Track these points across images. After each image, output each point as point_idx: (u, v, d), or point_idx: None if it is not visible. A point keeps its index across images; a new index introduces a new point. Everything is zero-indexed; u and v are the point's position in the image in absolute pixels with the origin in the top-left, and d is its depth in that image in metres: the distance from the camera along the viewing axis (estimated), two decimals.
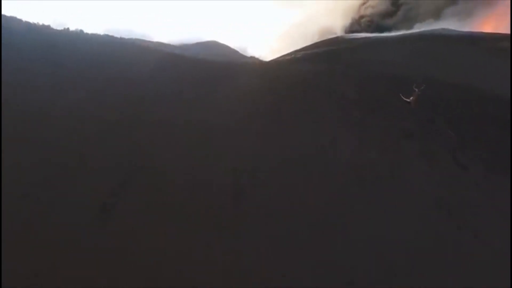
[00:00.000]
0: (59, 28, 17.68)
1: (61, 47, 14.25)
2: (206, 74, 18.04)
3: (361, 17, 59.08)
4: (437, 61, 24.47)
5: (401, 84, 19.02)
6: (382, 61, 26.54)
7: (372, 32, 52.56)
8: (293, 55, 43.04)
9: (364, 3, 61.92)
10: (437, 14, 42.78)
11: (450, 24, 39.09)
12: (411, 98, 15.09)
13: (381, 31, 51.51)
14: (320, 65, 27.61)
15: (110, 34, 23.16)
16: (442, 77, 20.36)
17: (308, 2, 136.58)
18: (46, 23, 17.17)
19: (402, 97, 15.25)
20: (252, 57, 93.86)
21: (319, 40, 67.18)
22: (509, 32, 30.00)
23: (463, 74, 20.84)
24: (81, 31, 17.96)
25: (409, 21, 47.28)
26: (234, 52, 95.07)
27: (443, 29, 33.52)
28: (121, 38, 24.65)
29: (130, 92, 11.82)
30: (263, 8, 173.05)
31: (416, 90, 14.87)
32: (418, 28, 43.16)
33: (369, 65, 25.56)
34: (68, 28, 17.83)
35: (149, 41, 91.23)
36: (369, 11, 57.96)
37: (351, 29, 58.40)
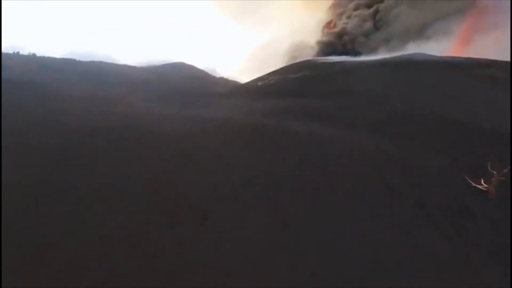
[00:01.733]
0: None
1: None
2: None
3: (330, 37, 59.10)
4: (431, 93, 23.92)
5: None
6: (366, 92, 25.86)
7: (342, 54, 52.84)
8: (266, 80, 41.87)
9: (331, 23, 62.75)
10: (409, 36, 43.76)
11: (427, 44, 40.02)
12: (487, 183, 10.53)
13: (352, 53, 52.07)
14: (297, 100, 25.89)
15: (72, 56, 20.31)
16: (444, 113, 19.50)
17: (275, 24, 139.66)
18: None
19: (473, 183, 10.72)
20: (221, 78, 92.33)
21: (288, 63, 67.54)
22: (493, 58, 30.80)
23: (465, 109, 20.17)
24: (34, 54, 14.78)
25: (383, 41, 47.92)
26: (202, 72, 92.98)
27: (423, 54, 33.92)
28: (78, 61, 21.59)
29: None
30: (230, 29, 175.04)
31: (494, 173, 10.52)
32: (394, 49, 43.74)
33: (352, 100, 24.56)
34: (18, 52, 14.69)
35: (114, 64, 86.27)
36: (339, 30, 58.39)
37: (321, 49, 58.00)
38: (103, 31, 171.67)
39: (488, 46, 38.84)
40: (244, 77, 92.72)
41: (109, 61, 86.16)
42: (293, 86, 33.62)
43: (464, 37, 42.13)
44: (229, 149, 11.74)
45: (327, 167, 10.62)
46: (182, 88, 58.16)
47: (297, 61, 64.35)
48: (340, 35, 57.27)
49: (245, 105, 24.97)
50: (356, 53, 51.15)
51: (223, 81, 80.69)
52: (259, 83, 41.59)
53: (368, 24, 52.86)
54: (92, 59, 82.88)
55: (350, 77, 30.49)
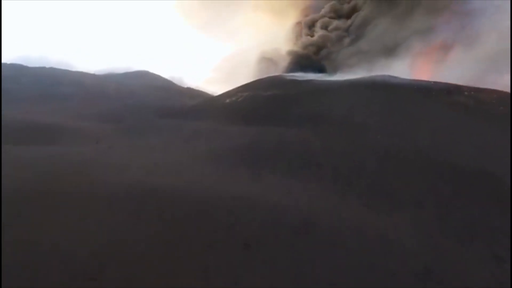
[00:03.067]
0: None
1: None
2: None
3: (298, 50, 56.60)
4: (409, 124, 21.75)
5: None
6: (342, 120, 23.36)
7: (309, 68, 50.70)
8: (234, 97, 38.53)
9: (300, 34, 60.55)
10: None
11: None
12: None
13: (320, 67, 50.18)
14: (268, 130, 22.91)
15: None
16: (427, 151, 17.19)
17: (242, 35, 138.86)
18: None
19: None
20: (189, 88, 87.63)
21: (256, 75, 64.83)
22: (453, 82, 29.75)
23: (447, 145, 17.98)
24: None
25: (355, 56, 46.50)
26: (167, 82, 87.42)
27: (393, 76, 32.38)
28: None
29: None
30: (196, 39, 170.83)
31: None
32: (365, 65, 42.29)
33: (328, 129, 21.92)
34: None
35: (67, 70, 78.44)
36: (308, 43, 56.13)
37: (291, 61, 55.62)
38: (59, 34, 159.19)
39: (450, 67, 38.57)
40: (211, 87, 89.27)
41: (63, 67, 78.16)
42: (263, 107, 30.52)
43: (430, 56, 41.85)
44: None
45: None
46: (140, 101, 52.99)
47: (266, 75, 61.72)
48: (313, 47, 54.70)
49: (205, 137, 21.28)
50: (324, 69, 49.33)
51: (189, 92, 76.09)
52: (227, 100, 38.08)
53: (343, 37, 50.85)
54: (43, 65, 74.68)
55: (323, 100, 27.96)
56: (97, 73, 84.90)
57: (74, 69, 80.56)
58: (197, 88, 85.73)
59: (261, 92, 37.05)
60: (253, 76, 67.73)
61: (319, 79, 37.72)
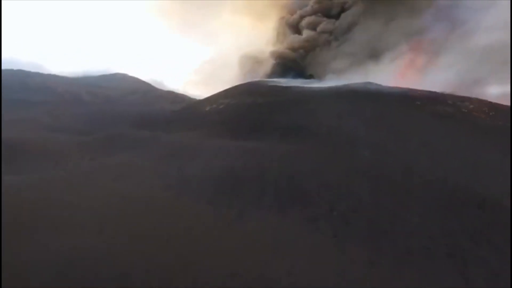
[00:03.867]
0: None
1: None
2: None
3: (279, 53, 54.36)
4: (397, 137, 20.50)
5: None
6: (328, 131, 21.86)
7: (291, 71, 49.02)
8: (214, 104, 36.42)
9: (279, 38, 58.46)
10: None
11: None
12: None
13: (302, 72, 48.68)
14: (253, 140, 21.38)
15: None
16: (426, 173, 15.90)
17: (221, 38, 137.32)
18: None
19: None
20: (170, 92, 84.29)
21: (237, 79, 62.68)
22: (431, 90, 28.99)
23: (437, 161, 16.78)
24: None
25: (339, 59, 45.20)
26: (146, 85, 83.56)
27: (373, 84, 31.31)
28: None
29: None
30: (176, 42, 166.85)
31: None
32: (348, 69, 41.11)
33: (314, 144, 20.41)
34: None
35: (38, 73, 73.29)
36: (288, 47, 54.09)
37: (274, 64, 53.69)
38: (32, 34, 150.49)
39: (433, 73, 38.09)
40: (192, 90, 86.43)
41: (34, 70, 72.86)
42: (245, 117, 28.67)
43: (410, 62, 41.27)
44: None
45: None
46: (116, 108, 49.81)
47: (247, 78, 59.51)
48: (296, 49, 52.59)
49: (181, 157, 19.18)
50: (307, 72, 47.89)
51: (170, 96, 72.92)
52: (207, 108, 35.99)
53: (328, 41, 48.93)
54: (11, 68, 69.33)
55: (308, 110, 26.45)
56: (71, 75, 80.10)
57: (46, 72, 75.25)
58: (178, 91, 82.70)
59: (242, 99, 35.18)
60: (235, 78, 65.70)
61: (302, 85, 36.24)
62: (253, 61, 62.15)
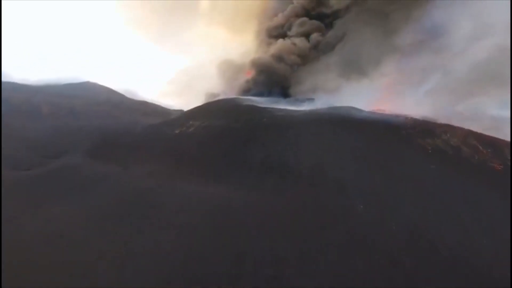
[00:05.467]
0: None
1: None
2: None
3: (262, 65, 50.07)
4: (388, 179, 17.70)
5: None
6: (311, 173, 18.71)
7: (268, 86, 45.57)
8: (184, 127, 32.45)
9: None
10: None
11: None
12: None
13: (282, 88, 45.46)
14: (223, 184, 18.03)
15: None
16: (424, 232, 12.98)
17: (196, 49, 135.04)
18: None
19: None
20: (143, 102, 78.81)
21: (210, 93, 58.68)
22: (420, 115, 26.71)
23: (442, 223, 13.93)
24: None
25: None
26: (118, 96, 77.32)
27: (355, 109, 28.68)
28: None
29: None
30: (150, 51, 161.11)
31: None
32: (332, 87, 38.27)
33: (297, 182, 17.30)
34: None
35: None
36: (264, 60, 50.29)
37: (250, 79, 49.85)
38: None
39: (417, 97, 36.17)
40: (167, 100, 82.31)
41: None
42: (217, 147, 25.10)
43: (394, 81, 39.31)
44: None
45: None
46: (76, 125, 44.26)
47: (226, 88, 55.86)
48: (275, 60, 48.68)
49: (131, 217, 15.18)
50: (287, 88, 44.70)
51: (142, 107, 67.55)
52: (177, 131, 32.07)
53: (309, 56, 45.62)
54: None
55: (286, 141, 23.27)
56: (35, 84, 72.27)
57: (6, 80, 67.02)
58: (152, 101, 77.61)
59: (215, 121, 31.49)
60: (211, 88, 61.96)
61: (282, 107, 33.14)
62: (233, 70, 58.76)
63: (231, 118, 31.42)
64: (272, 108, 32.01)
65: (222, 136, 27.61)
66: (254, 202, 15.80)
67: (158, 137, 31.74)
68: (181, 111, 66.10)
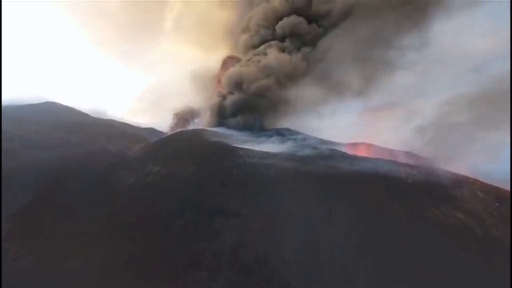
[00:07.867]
0: None
1: None
2: None
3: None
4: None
5: None
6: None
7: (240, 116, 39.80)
8: (141, 173, 26.25)
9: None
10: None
11: None
12: None
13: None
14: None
15: None
16: None
17: (162, 67, 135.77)
18: None
19: None
20: (109, 123, 70.85)
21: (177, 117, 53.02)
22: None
23: None
24: None
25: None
26: (81, 116, 68.64)
27: (335, 150, 24.00)
28: None
29: None
30: (114, 69, 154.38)
31: None
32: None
33: None
34: None
35: None
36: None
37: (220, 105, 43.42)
38: None
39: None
40: (135, 118, 78.10)
41: None
42: (176, 211, 19.83)
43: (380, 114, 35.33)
44: None
45: None
46: (22, 160, 36.88)
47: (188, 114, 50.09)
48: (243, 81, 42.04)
49: None
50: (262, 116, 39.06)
51: (108, 130, 59.63)
52: (131, 181, 26.33)
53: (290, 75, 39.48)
54: None
55: (262, 214, 18.01)
56: None
57: None
58: (121, 120, 70.31)
59: (177, 167, 25.80)
60: (178, 110, 56.29)
61: (257, 148, 27.76)
62: (203, 85, 53.43)
63: (195, 161, 26.10)
64: (245, 150, 26.66)
65: (185, 194, 22.04)
66: None
67: (107, 193, 25.43)
68: (151, 129, 61.53)
